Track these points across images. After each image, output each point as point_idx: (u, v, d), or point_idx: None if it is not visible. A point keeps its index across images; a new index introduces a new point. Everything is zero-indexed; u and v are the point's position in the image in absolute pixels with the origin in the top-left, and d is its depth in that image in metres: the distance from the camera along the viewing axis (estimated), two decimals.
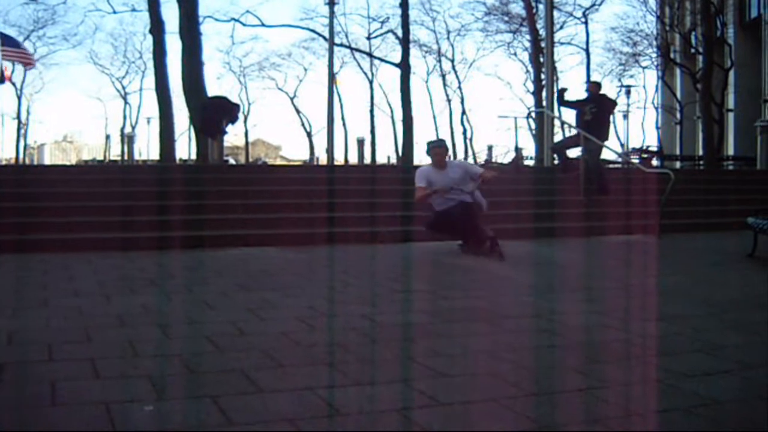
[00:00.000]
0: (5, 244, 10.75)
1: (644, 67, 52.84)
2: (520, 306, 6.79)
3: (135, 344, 5.07)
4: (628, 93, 51.97)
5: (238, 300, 6.90)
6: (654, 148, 42.57)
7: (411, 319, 6.08)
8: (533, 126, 45.62)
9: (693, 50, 43.22)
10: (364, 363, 4.72)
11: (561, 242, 12.79)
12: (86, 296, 7.07)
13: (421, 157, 59.65)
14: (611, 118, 17.64)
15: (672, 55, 46.34)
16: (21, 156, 58.39)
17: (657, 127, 54.94)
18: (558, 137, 28.53)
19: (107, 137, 61.54)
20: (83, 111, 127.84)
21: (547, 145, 21.52)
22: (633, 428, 3.64)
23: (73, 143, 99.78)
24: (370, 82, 60.34)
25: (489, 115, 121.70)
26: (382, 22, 49.26)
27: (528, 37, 45.65)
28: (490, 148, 33.57)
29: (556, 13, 39.55)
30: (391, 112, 65.58)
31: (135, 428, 3.53)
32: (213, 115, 19.14)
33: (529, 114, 43.50)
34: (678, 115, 48.05)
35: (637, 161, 28.79)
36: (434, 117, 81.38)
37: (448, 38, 61.25)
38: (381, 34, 50.01)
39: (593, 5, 48.96)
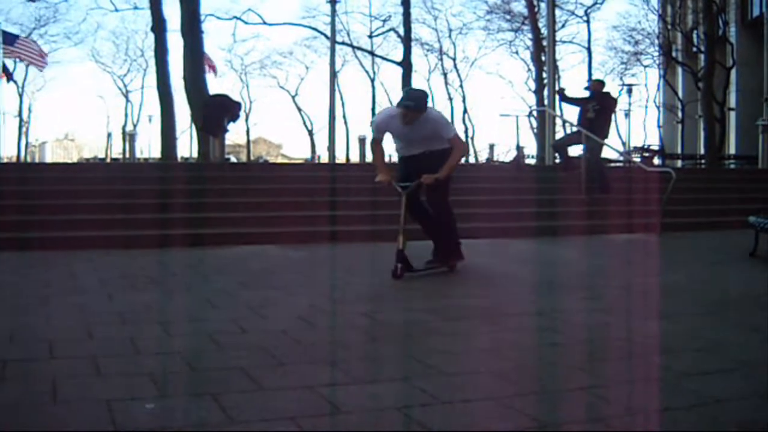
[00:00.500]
0: (7, 241, 10.77)
1: (646, 66, 52.83)
2: (522, 304, 6.79)
3: (136, 342, 5.07)
4: (629, 92, 51.92)
5: (240, 298, 6.90)
6: (655, 147, 42.56)
7: (412, 318, 6.08)
8: (534, 124, 45.67)
9: (695, 49, 43.16)
10: (365, 361, 4.72)
11: (562, 241, 12.79)
12: (88, 294, 7.08)
13: None
14: (613, 116, 17.64)
15: (674, 54, 46.34)
16: (22, 154, 58.45)
17: (658, 126, 54.92)
18: (559, 136, 28.53)
19: (109, 135, 61.56)
20: (85, 109, 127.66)
21: (549, 144, 21.52)
22: (633, 427, 3.64)
23: (74, 141, 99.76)
24: (372, 81, 60.31)
25: (490, 113, 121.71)
26: (384, 21, 49.30)
27: (530, 35, 45.62)
28: (491, 147, 33.55)
29: (558, 12, 39.61)
30: None
31: (136, 426, 3.53)
32: (214, 113, 19.15)
33: (530, 112, 43.54)
34: (679, 114, 48.04)
35: (638, 160, 28.78)
36: None
37: (449, 36, 61.14)
38: (383, 33, 50.06)
39: (595, 3, 48.96)
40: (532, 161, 32.84)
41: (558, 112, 25.69)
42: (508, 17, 50.77)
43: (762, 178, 20.52)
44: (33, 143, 79.34)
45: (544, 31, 34.13)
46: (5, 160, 40.22)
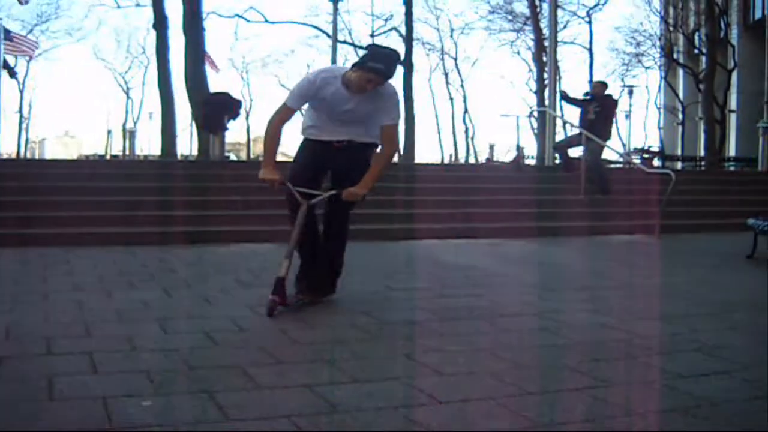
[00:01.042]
0: (6, 238, 10.76)
1: (647, 67, 52.83)
2: (521, 305, 6.79)
3: (134, 339, 5.07)
4: (630, 93, 51.93)
5: (238, 296, 6.91)
6: (655, 149, 42.61)
7: (410, 317, 6.09)
8: (535, 125, 45.67)
9: (696, 51, 43.22)
10: (363, 360, 4.72)
11: (562, 242, 12.79)
12: (86, 291, 7.08)
13: (421, 155, 59.52)
14: (614, 118, 17.66)
15: (675, 56, 46.36)
16: (22, 150, 58.46)
17: (659, 128, 54.95)
18: (560, 137, 28.54)
19: (109, 132, 61.61)
20: (85, 106, 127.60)
21: (549, 144, 21.55)
22: (629, 428, 3.64)
23: (74, 138, 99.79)
24: None
25: (491, 113, 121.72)
26: (386, 20, 49.24)
27: (531, 35, 45.60)
28: (491, 147, 33.64)
29: (560, 12, 39.60)
30: None
31: (132, 423, 3.54)
32: (215, 111, 19.17)
33: (531, 113, 43.58)
34: (680, 116, 48.07)
35: (638, 161, 28.80)
36: (436, 115, 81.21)
37: (451, 36, 61.52)
38: (384, 32, 49.98)
39: (597, 5, 49.03)
40: (532, 162, 32.88)
41: (558, 113, 25.69)
42: (510, 17, 50.81)
43: (762, 180, 20.55)
44: (33, 140, 79.37)
45: (546, 31, 34.14)
46: (5, 157, 40.25)
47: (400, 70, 36.69)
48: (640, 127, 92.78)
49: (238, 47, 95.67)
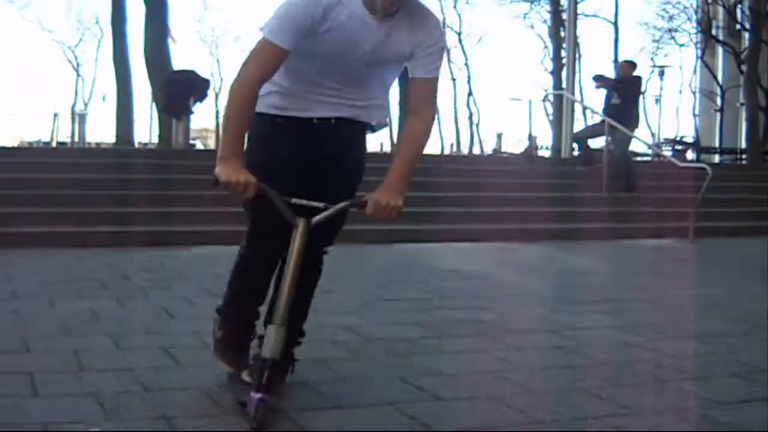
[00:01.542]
0: None
1: (681, 45, 52.83)
2: (531, 319, 6.78)
3: (81, 356, 5.05)
4: (661, 74, 51.99)
5: (204, 307, 6.87)
6: (689, 139, 42.64)
7: (402, 333, 6.08)
8: (550, 110, 45.67)
9: (738, 26, 43.23)
10: (347, 383, 4.71)
11: (580, 246, 12.80)
12: (26, 299, 7.05)
13: None
14: (638, 102, 17.63)
15: (714, 32, 46.37)
16: None
17: (694, 115, 55.01)
18: (580, 124, 28.58)
19: (55, 116, 61.45)
20: (27, 85, 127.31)
21: (566, 133, 21.55)
22: None
23: (14, 120, 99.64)
24: None
25: (499, 97, 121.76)
26: None
27: (547, 7, 45.74)
28: (499, 136, 33.69)
29: None
30: None
31: None
32: (178, 92, 19.14)
33: (545, 97, 43.58)
34: (718, 101, 48.12)
35: (669, 154, 28.82)
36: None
37: (454, 7, 61.19)
38: None
39: None
40: (546, 153, 32.89)
41: (578, 97, 25.70)
42: None
43: None
44: None
45: (564, 2, 34.17)
46: None
47: None
48: (671, 114, 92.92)
49: (207, 18, 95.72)
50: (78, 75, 65.93)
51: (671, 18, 50.00)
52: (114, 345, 5.44)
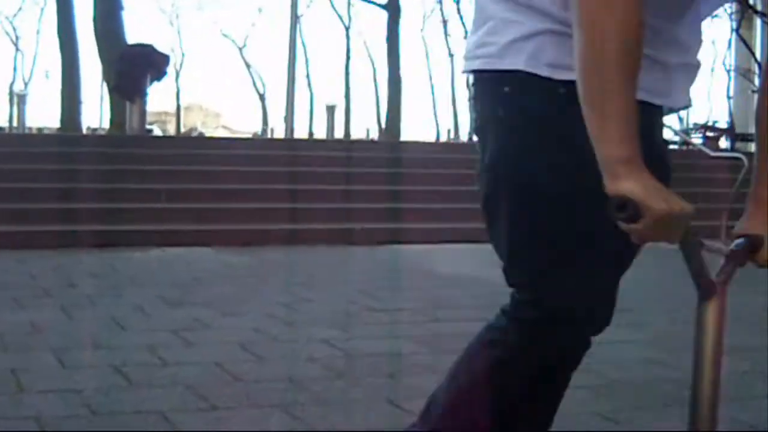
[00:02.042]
0: None
1: (713, 16, 52.96)
2: None
3: (20, 375, 5.05)
4: None
5: (160, 318, 6.89)
6: (723, 125, 42.68)
7: (391, 348, 6.09)
8: None
9: None
10: (327, 406, 4.72)
11: None
12: None
13: (410, 131, 59.57)
14: None
15: (751, 1, 46.46)
16: None
17: (728, 97, 54.97)
18: None
19: None
20: None
21: None
22: None
23: None
24: (347, 29, 60.35)
25: None
26: None
27: None
28: None
29: None
30: (373, 69, 65.66)
31: None
32: (133, 69, 19.12)
33: None
34: (756, 81, 48.15)
35: (699, 141, 28.86)
36: (430, 77, 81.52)
37: None
38: None
39: None
40: None
41: None
42: None
43: None
44: None
45: None
46: None
47: (383, 16, 36.72)
48: (702, 95, 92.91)
49: None
50: (17, 49, 65.91)
51: None
52: (58, 362, 5.44)
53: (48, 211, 12.25)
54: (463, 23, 62.43)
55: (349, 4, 58.15)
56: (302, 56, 62.48)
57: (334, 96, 74.23)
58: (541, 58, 2.49)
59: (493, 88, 2.59)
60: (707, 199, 15.03)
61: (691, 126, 40.25)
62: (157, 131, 42.83)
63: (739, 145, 35.07)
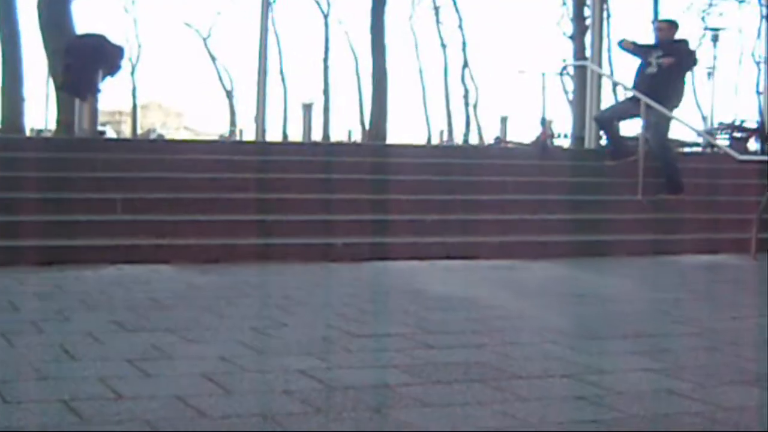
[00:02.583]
0: None
1: (741, 1, 53.15)
2: (542, 360, 6.80)
3: None
4: (715, 40, 52.17)
5: (115, 345, 6.88)
6: (752, 124, 42.77)
7: (376, 379, 6.09)
8: (570, 87, 45.78)
9: None
10: None
11: (607, 264, 12.83)
12: None
13: (398, 132, 59.70)
14: (687, 76, 17.63)
15: None
16: None
17: (757, 93, 55.23)
18: (607, 105, 28.53)
19: None
20: None
21: (590, 117, 21.56)
22: None
23: None
24: (325, 17, 60.43)
25: (503, 69, 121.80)
26: None
27: None
28: (503, 121, 33.58)
29: None
30: (356, 63, 65.71)
31: None
32: (83, 62, 19.08)
33: (563, 69, 43.64)
34: None
35: (726, 143, 28.91)
36: (421, 72, 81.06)
37: None
38: None
39: None
40: (564, 143, 32.93)
41: (606, 69, 25.72)
42: None
43: None
44: None
45: None
46: None
47: (366, 3, 36.69)
48: (729, 91, 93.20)
49: None
50: None
51: None
52: None
53: None
54: (457, 10, 62.71)
55: None
56: (275, 48, 62.50)
57: (312, 93, 74.20)
58: None
59: None
60: (734, 208, 15.06)
61: (715, 126, 40.37)
62: (110, 133, 42.81)
63: None
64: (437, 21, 64.02)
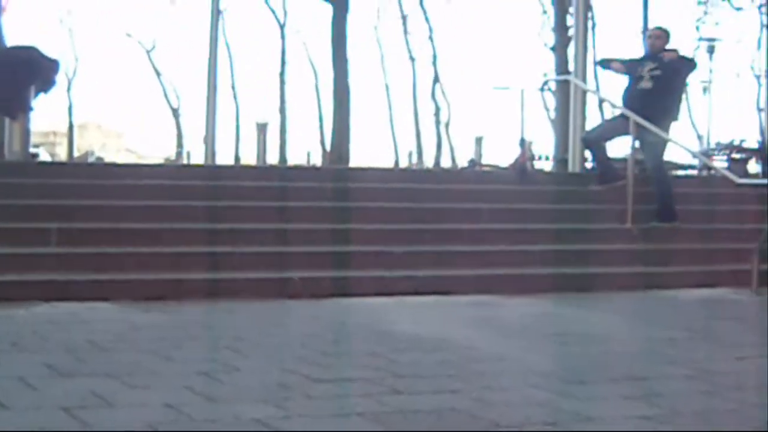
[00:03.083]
0: None
1: (738, 9, 53.44)
2: (524, 407, 6.80)
3: None
4: (710, 51, 52.44)
5: (49, 392, 6.85)
6: (752, 144, 42.98)
7: (338, 428, 6.07)
8: (551, 105, 45.95)
9: None
10: None
11: (596, 301, 12.86)
12: None
13: (361, 155, 59.85)
14: (684, 90, 17.66)
15: None
16: None
17: (758, 109, 55.52)
18: (593, 124, 28.62)
19: None
20: None
21: (574, 137, 21.60)
22: None
23: None
24: (282, 27, 60.55)
25: (478, 85, 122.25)
26: None
27: None
28: (478, 141, 33.69)
29: None
30: (315, 78, 65.82)
31: None
32: (13, 77, 19.05)
33: (545, 84, 43.76)
34: None
35: (724, 165, 29.04)
36: (387, 87, 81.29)
37: None
38: None
39: None
40: (545, 165, 33.02)
41: (591, 85, 25.81)
42: None
43: None
44: None
45: None
46: None
47: (327, 11, 36.77)
48: (726, 107, 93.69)
49: None
50: None
51: None
52: None
53: None
54: (426, 19, 62.90)
55: None
56: (226, 61, 62.56)
57: (267, 111, 74.26)
58: None
59: None
60: (733, 237, 15.11)
61: (712, 146, 40.53)
62: (44, 156, 42.70)
63: None
64: (405, 31, 64.27)
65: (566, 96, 27.48)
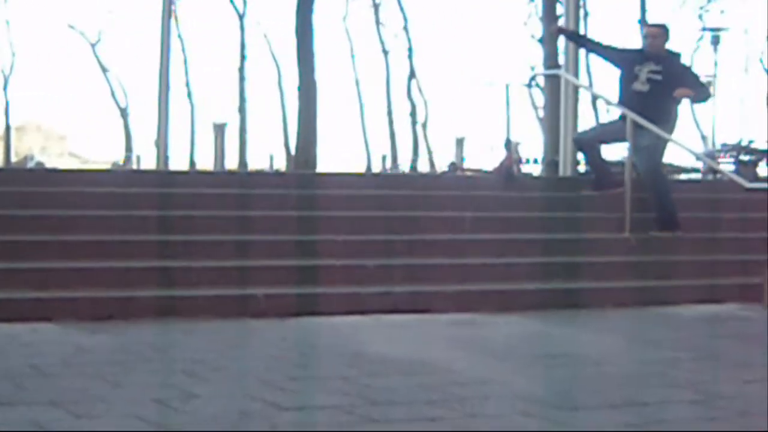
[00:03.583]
0: None
1: None
2: None
3: None
4: (714, 42, 52.57)
5: None
6: (762, 145, 43.11)
7: None
8: (540, 102, 46.04)
9: None
10: None
11: (588, 318, 12.89)
12: None
13: (330, 159, 59.92)
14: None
15: None
16: None
17: None
18: (586, 123, 28.66)
19: None
20: None
21: (565, 137, 21.63)
22: None
23: None
24: (241, 18, 60.56)
25: (459, 81, 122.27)
26: None
27: None
28: (459, 143, 33.74)
29: None
30: (278, 74, 65.82)
31: None
32: None
33: (532, 79, 43.87)
34: None
35: (731, 168, 29.13)
36: (357, 83, 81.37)
37: None
38: None
39: None
40: (534, 169, 33.09)
41: (584, 80, 25.87)
42: None
43: None
44: None
45: None
46: None
47: (291, 1, 36.71)
48: (733, 104, 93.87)
49: None
50: None
51: None
52: None
53: None
54: (401, 8, 62.92)
55: None
56: (180, 55, 62.56)
57: (225, 111, 74.26)
58: None
59: None
60: (741, 248, 15.16)
61: (718, 147, 40.62)
62: None
63: None
64: (377, 22, 64.31)
65: (556, 92, 27.50)
